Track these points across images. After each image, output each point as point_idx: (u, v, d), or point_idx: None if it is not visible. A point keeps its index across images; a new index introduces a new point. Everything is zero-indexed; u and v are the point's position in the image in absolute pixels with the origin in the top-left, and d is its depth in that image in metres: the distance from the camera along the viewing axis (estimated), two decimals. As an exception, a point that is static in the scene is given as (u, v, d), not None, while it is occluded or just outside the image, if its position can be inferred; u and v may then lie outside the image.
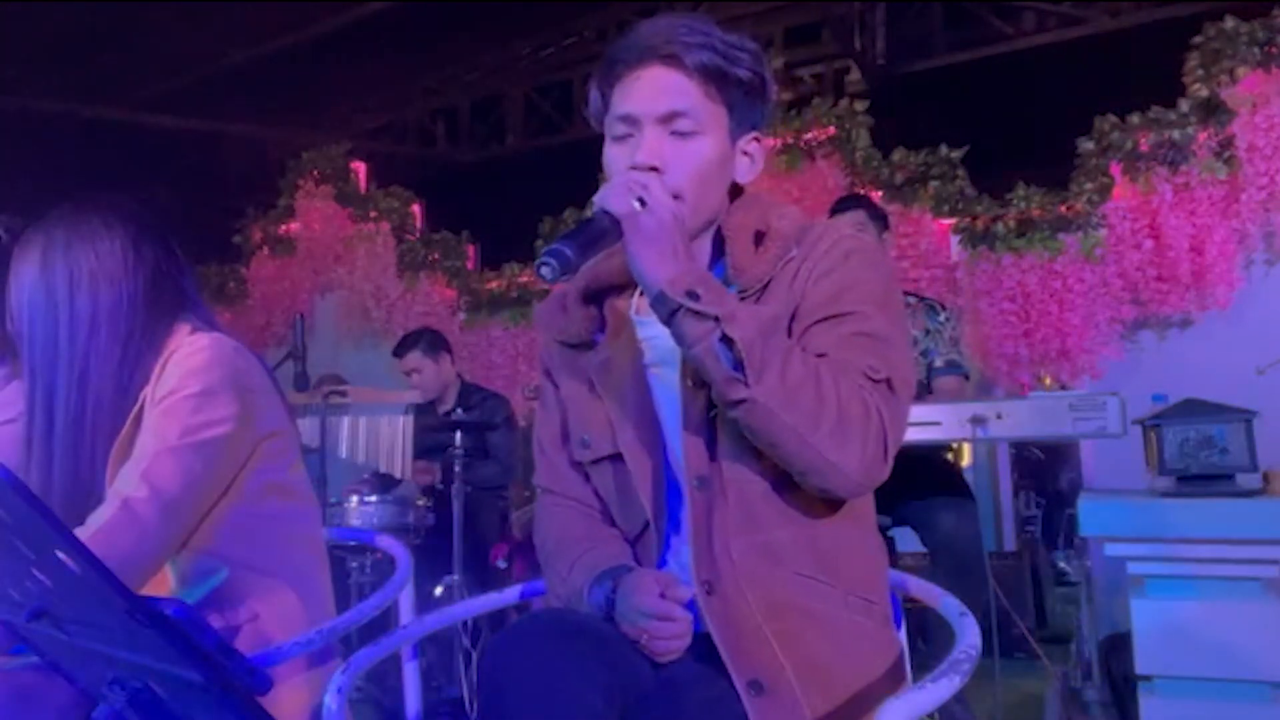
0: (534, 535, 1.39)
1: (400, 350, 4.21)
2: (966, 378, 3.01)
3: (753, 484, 1.16)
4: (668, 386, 1.24)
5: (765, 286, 1.19)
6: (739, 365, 1.05)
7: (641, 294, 1.30)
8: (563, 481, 1.35)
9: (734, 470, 1.17)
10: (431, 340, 4.22)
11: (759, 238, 1.22)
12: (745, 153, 1.27)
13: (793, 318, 1.17)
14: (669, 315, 1.09)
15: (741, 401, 1.07)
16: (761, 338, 1.06)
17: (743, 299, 1.18)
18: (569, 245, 1.06)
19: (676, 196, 1.15)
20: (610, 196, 1.11)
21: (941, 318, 2.99)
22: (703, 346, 1.07)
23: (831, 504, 1.19)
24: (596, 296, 1.32)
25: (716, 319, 1.06)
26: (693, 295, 1.07)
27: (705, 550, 1.16)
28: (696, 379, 1.17)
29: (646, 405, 1.24)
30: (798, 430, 1.06)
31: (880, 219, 3.01)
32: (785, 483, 1.15)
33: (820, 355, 1.12)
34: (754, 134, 1.27)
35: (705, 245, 1.26)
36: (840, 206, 3.06)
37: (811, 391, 1.06)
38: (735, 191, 1.29)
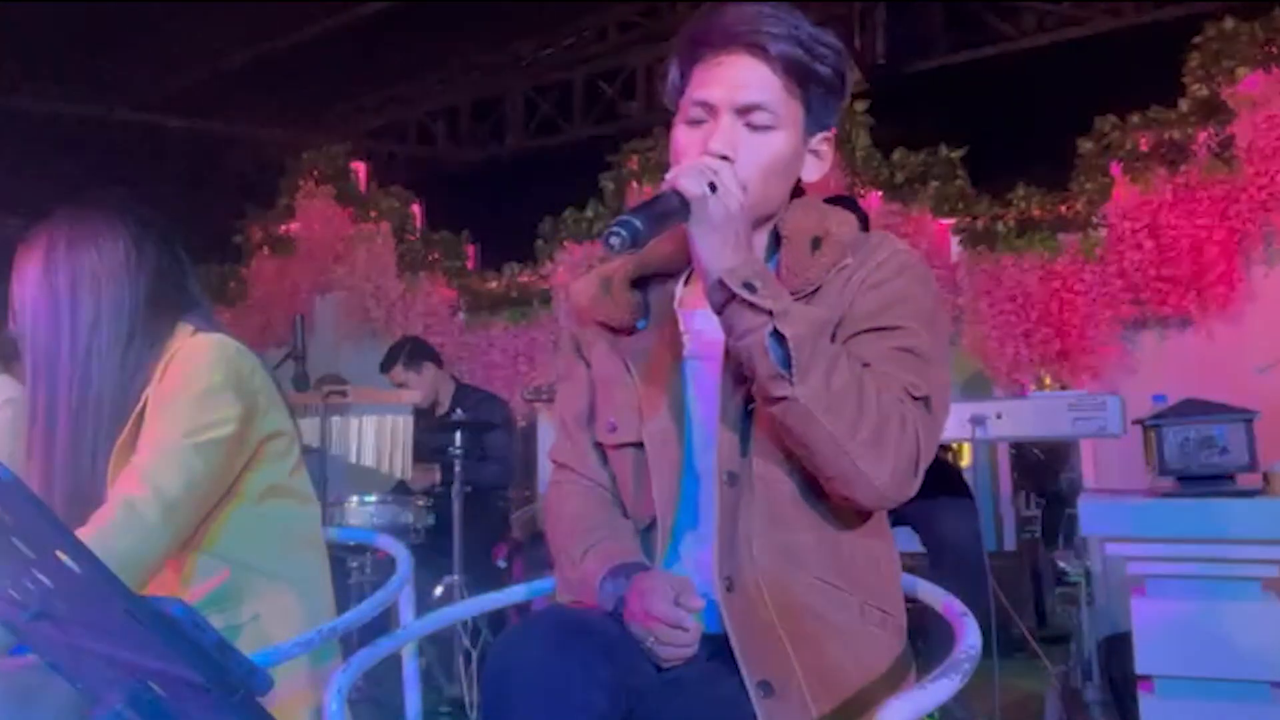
0: (546, 509, 1.38)
1: (384, 366, 4.24)
2: None
3: (781, 485, 1.16)
4: (705, 380, 1.23)
5: (815, 291, 1.19)
6: (786, 362, 1.05)
7: (688, 284, 1.30)
8: (582, 461, 1.34)
9: (765, 469, 1.16)
10: (412, 351, 4.23)
11: (816, 242, 1.21)
12: (814, 151, 1.26)
13: (838, 325, 1.17)
14: (723, 304, 1.09)
15: (783, 399, 1.06)
16: (812, 338, 1.06)
17: (794, 299, 1.17)
18: (639, 217, 1.04)
19: (741, 189, 1.14)
20: (682, 177, 1.10)
21: None
22: (753, 339, 1.07)
23: (857, 513, 1.18)
24: (641, 282, 1.31)
25: (770, 313, 1.06)
26: (750, 287, 1.07)
27: (729, 546, 1.15)
28: (737, 375, 1.17)
29: (678, 398, 1.24)
30: (834, 436, 1.05)
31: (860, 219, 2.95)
32: (813, 487, 1.15)
33: (863, 365, 1.12)
34: (825, 133, 1.26)
35: (761, 242, 1.26)
36: None
37: (854, 399, 1.06)
38: (796, 189, 1.28)
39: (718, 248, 1.09)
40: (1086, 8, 5.85)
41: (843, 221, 1.24)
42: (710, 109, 1.19)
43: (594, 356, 1.33)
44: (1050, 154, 4.94)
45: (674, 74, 1.25)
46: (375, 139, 7.57)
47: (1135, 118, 4.58)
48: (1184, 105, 4.49)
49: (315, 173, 6.55)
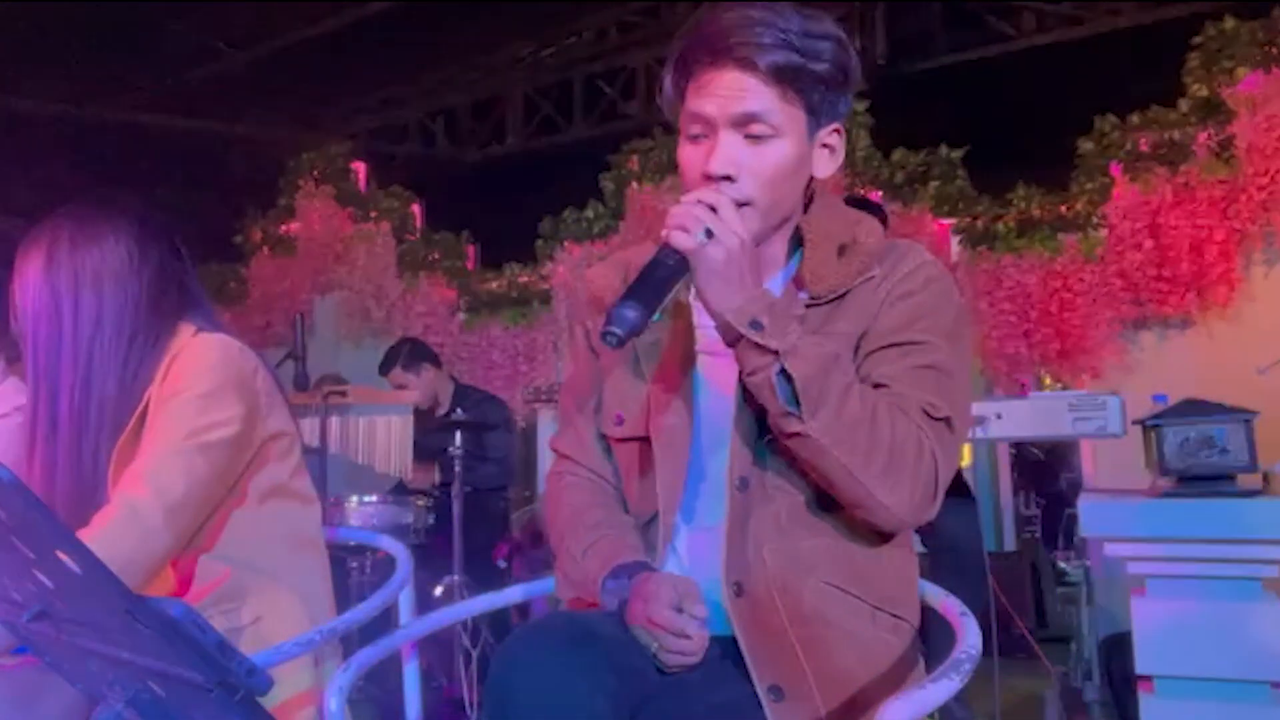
0: (546, 500, 1.37)
1: (383, 368, 4.23)
2: None
3: (794, 493, 1.16)
4: (715, 375, 1.23)
5: (841, 298, 1.18)
6: (795, 399, 1.05)
7: None
8: (585, 452, 1.33)
9: (777, 478, 1.16)
10: (410, 353, 4.22)
11: (841, 249, 1.20)
12: (825, 145, 1.22)
13: (863, 336, 1.17)
14: (733, 341, 1.10)
15: (795, 435, 1.07)
16: (821, 374, 1.06)
17: (815, 305, 1.17)
18: (632, 306, 1.03)
19: (748, 203, 1.13)
20: (675, 233, 1.08)
21: None
22: (761, 377, 1.08)
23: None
24: None
25: (777, 353, 1.06)
26: (756, 325, 1.07)
27: (738, 552, 1.15)
28: None
29: (688, 392, 1.23)
30: (848, 468, 1.06)
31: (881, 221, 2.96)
32: (826, 495, 1.15)
33: (883, 384, 1.12)
34: (834, 125, 1.22)
35: (781, 244, 1.24)
36: None
37: (866, 431, 1.06)
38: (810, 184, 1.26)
39: (721, 290, 1.08)
40: (1086, 8, 5.85)
41: (870, 230, 1.23)
42: (707, 123, 1.16)
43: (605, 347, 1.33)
44: (1050, 154, 4.94)
45: (669, 87, 1.22)
46: (375, 139, 7.57)
47: (1135, 118, 4.59)
48: (1184, 105, 4.49)
49: (315, 173, 6.56)
